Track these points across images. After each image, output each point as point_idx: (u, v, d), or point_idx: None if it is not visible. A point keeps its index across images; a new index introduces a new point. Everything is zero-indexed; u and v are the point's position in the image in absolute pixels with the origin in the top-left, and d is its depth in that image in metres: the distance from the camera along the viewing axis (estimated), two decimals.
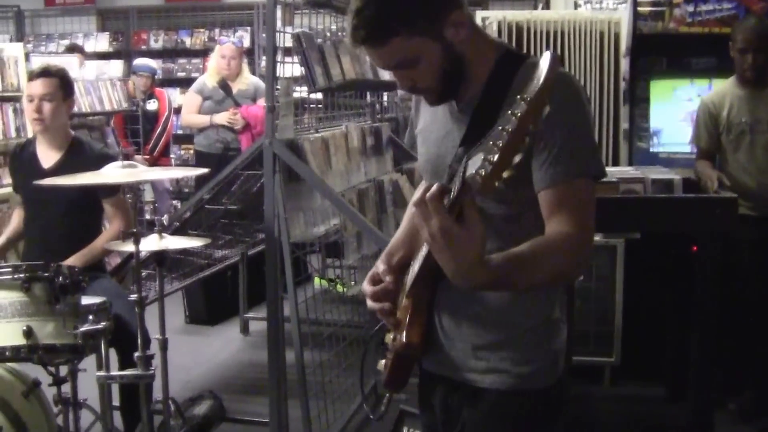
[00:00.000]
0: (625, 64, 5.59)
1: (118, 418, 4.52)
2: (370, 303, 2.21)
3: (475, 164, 1.67)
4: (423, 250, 2.05)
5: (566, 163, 1.97)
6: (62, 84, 4.52)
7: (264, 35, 10.24)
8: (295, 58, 4.33)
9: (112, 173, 3.56)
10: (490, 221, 2.06)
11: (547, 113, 1.62)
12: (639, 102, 5.79)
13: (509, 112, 1.61)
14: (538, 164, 1.99)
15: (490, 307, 2.14)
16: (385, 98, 6.39)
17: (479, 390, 2.19)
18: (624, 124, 5.59)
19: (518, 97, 1.62)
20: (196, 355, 6.22)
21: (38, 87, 4.46)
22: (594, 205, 2.02)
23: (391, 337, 2.19)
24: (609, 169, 4.69)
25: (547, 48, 5.31)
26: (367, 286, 2.24)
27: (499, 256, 1.88)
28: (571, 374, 2.29)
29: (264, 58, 10.48)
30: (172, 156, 9.60)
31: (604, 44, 5.40)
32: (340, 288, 5.61)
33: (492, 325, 2.15)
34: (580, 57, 5.36)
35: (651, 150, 5.83)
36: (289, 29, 4.29)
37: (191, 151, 9.21)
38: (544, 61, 1.64)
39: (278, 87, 4.32)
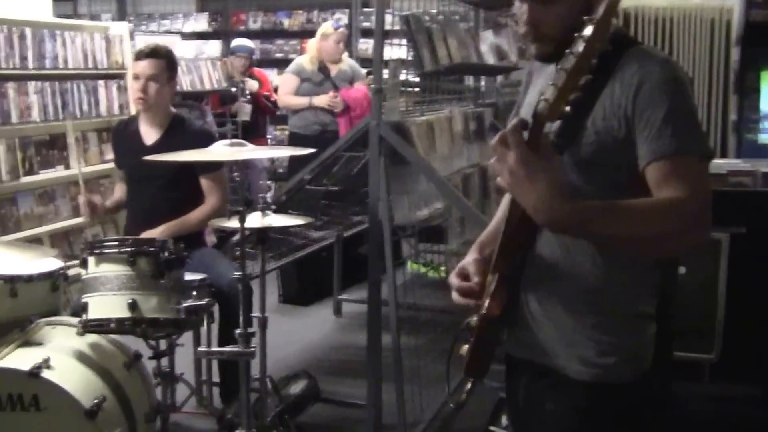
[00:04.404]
0: (735, 53, 5.44)
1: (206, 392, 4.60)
2: (455, 296, 2.18)
3: (545, 95, 1.79)
4: (506, 214, 2.02)
5: (671, 138, 1.92)
6: (168, 65, 4.59)
7: (361, 17, 10.43)
8: (402, 41, 4.29)
9: (220, 151, 3.57)
10: None
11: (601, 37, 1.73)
12: (749, 92, 5.64)
13: (576, 35, 1.73)
14: (642, 140, 1.95)
15: (579, 291, 2.09)
16: (482, 83, 6.33)
17: (562, 379, 2.14)
18: (732, 115, 5.44)
19: (585, 18, 1.73)
20: (290, 334, 6.24)
21: (145, 67, 4.52)
22: (709, 182, 1.96)
23: (476, 320, 2.13)
24: (717, 161, 4.59)
25: (656, 37, 5.20)
26: (454, 279, 2.20)
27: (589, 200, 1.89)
28: (669, 370, 2.21)
29: (361, 40, 10.66)
30: (268, 136, 9.65)
31: (714, 32, 5.27)
32: (434, 273, 5.57)
33: (579, 311, 2.10)
34: (689, 45, 5.24)
35: (760, 142, 5.69)
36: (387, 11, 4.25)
37: (286, 132, 9.24)
38: None
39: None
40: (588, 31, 1.71)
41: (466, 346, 2.13)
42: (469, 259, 2.21)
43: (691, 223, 1.90)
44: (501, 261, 2.03)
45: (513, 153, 1.79)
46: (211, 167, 4.50)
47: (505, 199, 2.42)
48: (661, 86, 1.93)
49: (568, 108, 1.78)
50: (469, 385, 2.18)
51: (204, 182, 4.57)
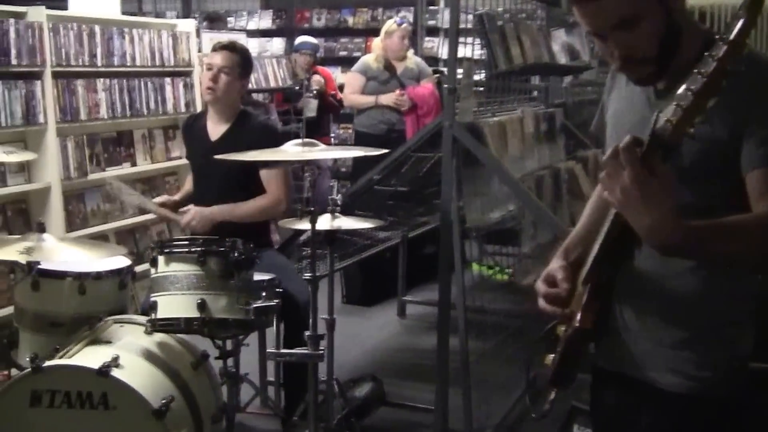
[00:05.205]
0: None
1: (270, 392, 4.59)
2: (541, 303, 2.13)
3: (666, 114, 1.68)
4: (603, 229, 1.94)
5: None
6: (242, 62, 4.59)
7: (426, 15, 10.37)
8: (474, 39, 4.23)
9: (290, 150, 3.54)
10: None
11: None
12: None
13: (706, 54, 1.62)
14: (749, 147, 1.89)
15: (677, 302, 2.04)
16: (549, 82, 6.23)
17: (657, 391, 2.09)
18: None
19: (717, 37, 1.62)
20: (353, 335, 6.20)
21: (219, 58, 4.53)
22: None
23: (563, 329, 2.10)
24: None
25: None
26: (541, 285, 2.15)
27: (698, 220, 1.80)
28: (754, 382, 2.14)
29: (426, 38, 10.59)
30: (331, 135, 9.61)
31: None
32: (500, 276, 5.50)
33: (676, 322, 2.05)
34: (765, 44, 5.10)
35: None
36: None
37: (350, 131, 9.19)
38: (744, 3, 1.61)
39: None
40: (720, 51, 1.61)
41: (550, 356, 2.09)
42: (555, 266, 2.16)
43: None
44: (595, 272, 1.98)
45: (627, 172, 1.72)
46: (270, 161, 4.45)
47: (590, 205, 2.36)
48: None
49: (692, 130, 1.69)
50: (552, 395, 2.13)
51: (263, 176, 4.50)
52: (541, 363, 2.15)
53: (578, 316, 1.99)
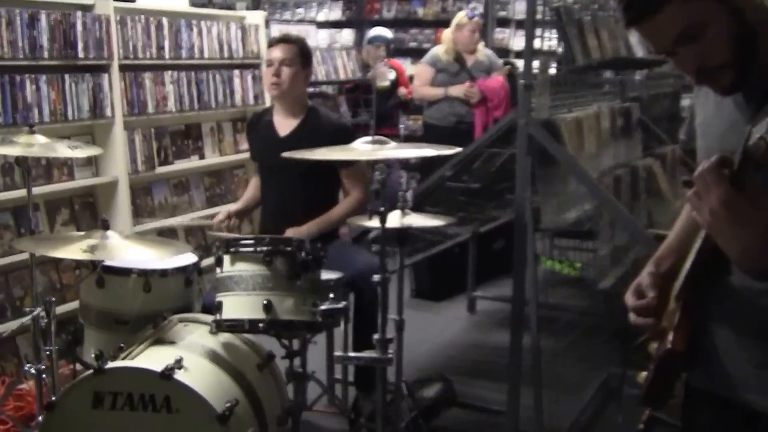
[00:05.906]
0: None
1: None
2: (632, 317, 2.03)
3: (759, 130, 1.55)
4: (696, 245, 1.85)
5: None
6: (301, 52, 4.54)
7: (497, 6, 10.22)
8: (551, 32, 4.11)
9: (360, 148, 3.45)
10: None
11: None
12: None
13: None
14: None
15: None
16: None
17: (755, 414, 1.95)
18: None
19: None
20: (423, 331, 6.09)
21: (277, 52, 4.50)
22: None
23: (655, 346, 2.01)
24: None
25: None
26: (630, 298, 2.06)
27: None
28: None
29: (497, 29, 10.45)
30: (400, 125, 9.53)
31: None
32: (570, 270, 5.38)
33: None
34: None
35: None
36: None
37: (419, 122, 9.09)
38: None
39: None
40: None
41: (643, 374, 1.99)
42: (644, 274, 2.07)
43: None
44: (688, 290, 1.88)
45: (716, 192, 1.61)
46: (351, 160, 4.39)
47: (684, 212, 2.24)
48: None
49: None
50: (646, 415, 2.07)
51: (345, 176, 4.50)
52: (635, 379, 2.07)
53: (670, 336, 1.89)
